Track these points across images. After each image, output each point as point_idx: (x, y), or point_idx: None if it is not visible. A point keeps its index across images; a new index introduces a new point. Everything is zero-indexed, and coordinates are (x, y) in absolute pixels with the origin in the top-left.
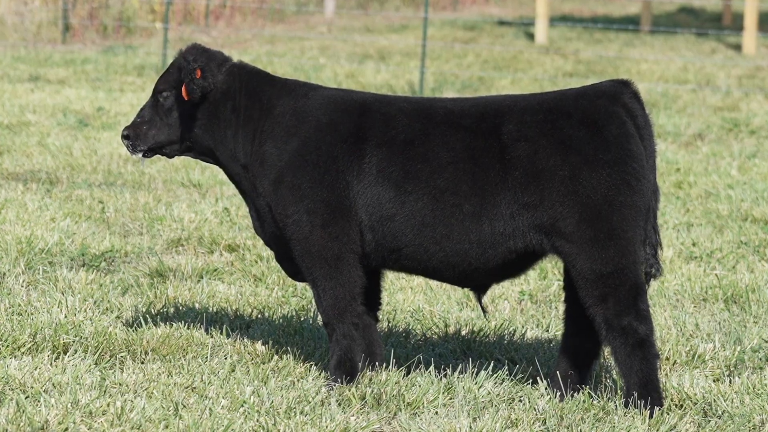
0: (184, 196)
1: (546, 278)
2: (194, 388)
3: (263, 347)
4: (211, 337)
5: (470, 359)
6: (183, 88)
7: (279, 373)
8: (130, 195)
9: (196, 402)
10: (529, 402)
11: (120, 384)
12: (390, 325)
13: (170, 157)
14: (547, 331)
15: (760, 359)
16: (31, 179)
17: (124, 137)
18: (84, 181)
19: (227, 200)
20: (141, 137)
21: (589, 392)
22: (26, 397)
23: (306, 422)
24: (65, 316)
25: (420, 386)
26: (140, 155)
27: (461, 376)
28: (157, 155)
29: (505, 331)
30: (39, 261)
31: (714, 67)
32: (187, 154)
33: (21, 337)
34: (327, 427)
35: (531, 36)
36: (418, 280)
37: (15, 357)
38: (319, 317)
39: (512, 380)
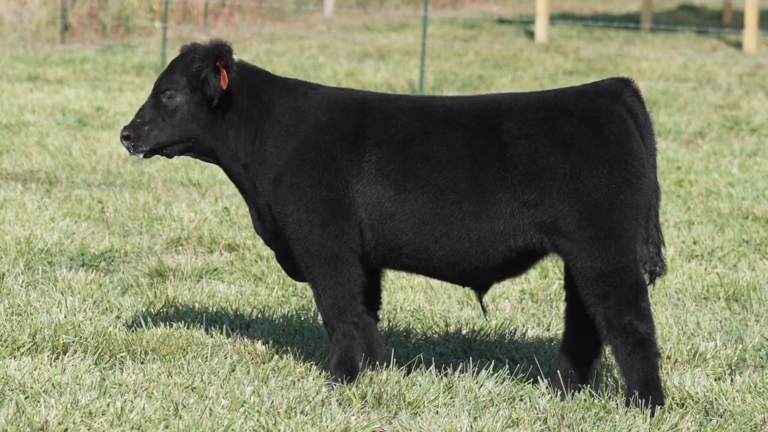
0: (184, 196)
1: (547, 277)
2: (194, 388)
3: (263, 347)
4: (211, 336)
5: (471, 358)
6: (223, 74)
7: (279, 373)
8: (129, 195)
9: (196, 402)
10: (530, 401)
11: (120, 384)
12: (390, 324)
13: (170, 157)
14: (548, 330)
15: (762, 358)
16: (30, 179)
17: (125, 138)
18: (83, 181)
19: (227, 199)
20: (142, 138)
21: (590, 391)
22: (26, 398)
23: (306, 422)
24: (65, 317)
25: (420, 385)
26: (140, 155)
27: (462, 375)
28: (156, 155)
29: (506, 330)
30: (38, 261)
31: (714, 65)
32: (188, 154)
33: (20, 338)
34: (327, 426)
35: (531, 34)
36: (419, 279)
37: (14, 357)
38: (319, 317)
39: (513, 379)
